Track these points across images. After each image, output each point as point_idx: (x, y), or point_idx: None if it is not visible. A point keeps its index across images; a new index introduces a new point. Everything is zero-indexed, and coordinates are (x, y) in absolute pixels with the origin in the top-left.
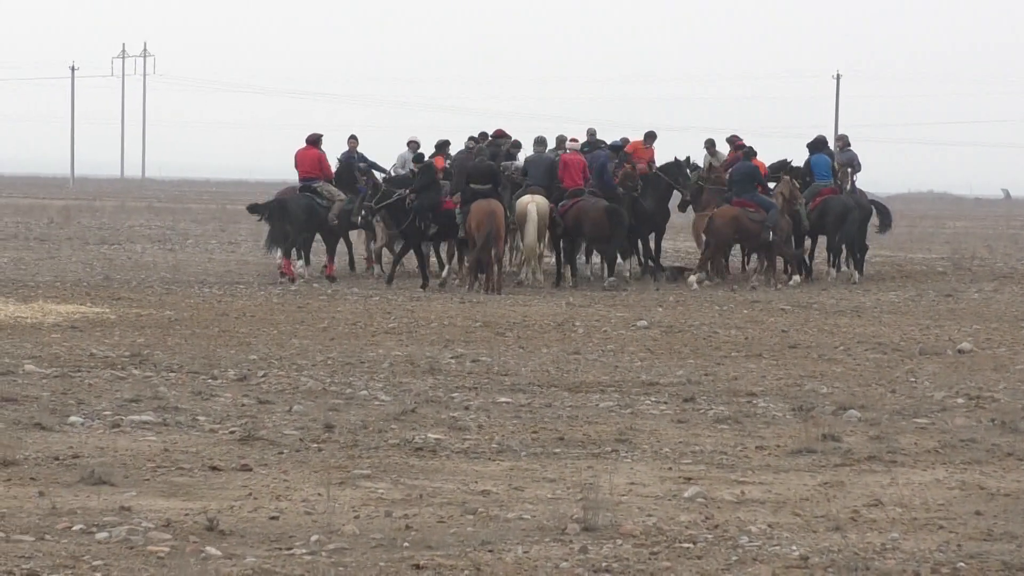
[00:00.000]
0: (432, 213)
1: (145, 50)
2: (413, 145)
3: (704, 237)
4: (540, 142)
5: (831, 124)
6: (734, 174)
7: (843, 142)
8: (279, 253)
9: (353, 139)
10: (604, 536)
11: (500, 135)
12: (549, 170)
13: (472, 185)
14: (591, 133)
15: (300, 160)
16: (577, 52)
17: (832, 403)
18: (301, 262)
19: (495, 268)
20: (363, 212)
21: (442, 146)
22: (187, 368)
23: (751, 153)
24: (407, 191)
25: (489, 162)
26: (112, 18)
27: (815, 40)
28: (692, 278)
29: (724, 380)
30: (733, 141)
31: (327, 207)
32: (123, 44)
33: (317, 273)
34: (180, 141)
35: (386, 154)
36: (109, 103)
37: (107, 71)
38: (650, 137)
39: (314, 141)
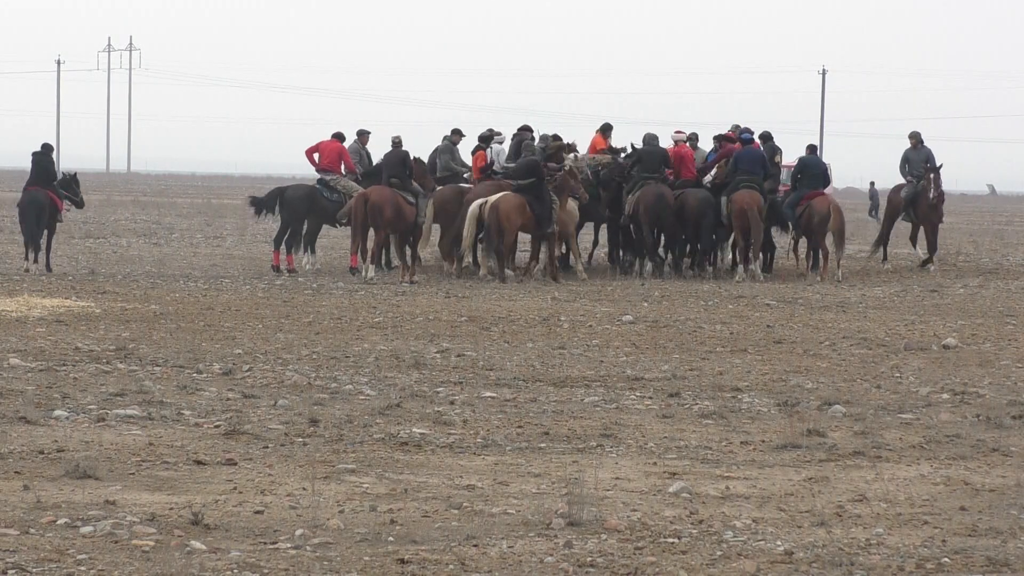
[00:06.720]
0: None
1: (131, 44)
2: (456, 136)
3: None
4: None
5: (817, 119)
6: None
7: (916, 139)
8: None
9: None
10: (589, 531)
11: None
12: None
13: (518, 181)
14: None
15: (322, 151)
16: (559, 46)
17: (817, 398)
18: (307, 255)
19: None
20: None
21: (486, 139)
22: (172, 362)
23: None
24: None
25: (532, 158)
26: (98, 12)
27: (801, 35)
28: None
29: (709, 375)
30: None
31: (339, 201)
32: (109, 38)
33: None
34: (165, 135)
35: (375, 149)
36: (95, 97)
37: (93, 65)
38: (607, 129)
39: (338, 136)
